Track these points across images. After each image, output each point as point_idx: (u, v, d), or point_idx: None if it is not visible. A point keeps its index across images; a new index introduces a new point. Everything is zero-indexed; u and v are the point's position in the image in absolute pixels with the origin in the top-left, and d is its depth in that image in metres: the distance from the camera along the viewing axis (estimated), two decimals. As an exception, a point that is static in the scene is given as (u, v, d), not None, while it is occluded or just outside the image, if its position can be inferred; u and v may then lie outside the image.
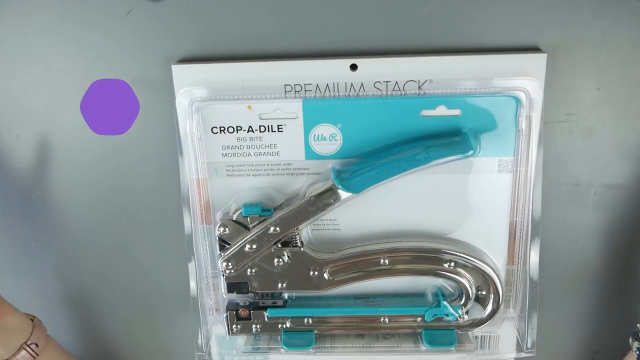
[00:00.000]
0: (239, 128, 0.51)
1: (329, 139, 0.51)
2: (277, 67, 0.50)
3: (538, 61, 0.49)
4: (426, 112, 0.50)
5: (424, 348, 0.53)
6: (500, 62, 0.49)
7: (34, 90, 0.54)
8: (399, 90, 0.50)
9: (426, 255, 0.52)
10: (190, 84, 0.51)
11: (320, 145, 0.51)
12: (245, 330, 0.54)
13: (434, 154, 0.48)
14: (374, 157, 0.50)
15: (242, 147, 0.52)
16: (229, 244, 0.52)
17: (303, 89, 0.51)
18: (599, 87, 0.51)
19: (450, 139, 0.49)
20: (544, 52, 0.50)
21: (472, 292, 0.52)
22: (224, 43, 0.51)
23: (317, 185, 0.51)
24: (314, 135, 0.51)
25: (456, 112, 0.49)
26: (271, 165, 0.52)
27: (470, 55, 0.50)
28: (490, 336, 0.56)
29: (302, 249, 0.52)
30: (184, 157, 0.52)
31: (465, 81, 0.49)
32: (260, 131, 0.51)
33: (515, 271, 0.54)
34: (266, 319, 0.54)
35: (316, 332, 0.54)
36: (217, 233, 0.52)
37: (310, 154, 0.52)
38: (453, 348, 0.53)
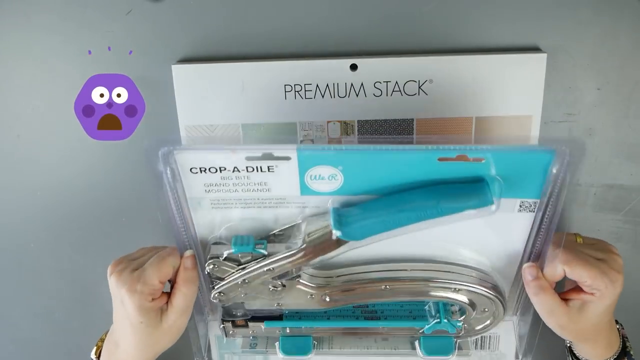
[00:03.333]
0: (222, 168, 0.43)
1: (328, 178, 0.43)
2: (277, 67, 0.50)
3: (538, 61, 0.49)
4: (444, 158, 0.42)
5: (422, 355, 0.53)
6: (500, 62, 0.50)
7: (34, 90, 0.54)
8: (399, 90, 0.51)
9: (430, 284, 0.48)
10: (190, 84, 0.51)
11: (318, 184, 0.44)
12: (242, 333, 0.54)
13: (447, 206, 0.41)
14: (380, 203, 0.43)
15: (227, 184, 0.44)
16: (221, 279, 0.47)
17: (303, 89, 0.51)
18: (599, 87, 0.51)
19: (467, 188, 0.42)
20: (544, 52, 0.50)
21: (474, 310, 0.50)
22: (224, 43, 0.51)
23: (314, 226, 0.44)
24: (311, 175, 0.43)
25: (479, 159, 0.42)
26: (262, 199, 0.45)
27: (470, 55, 0.50)
28: (490, 336, 0.56)
29: (298, 279, 0.47)
30: (162, 195, 0.44)
31: (474, 85, 0.49)
32: (247, 171, 0.43)
33: (519, 289, 0.53)
34: (263, 330, 0.53)
35: (314, 337, 0.54)
36: (207, 270, 0.46)
37: (307, 191, 0.44)
38: (450, 356, 0.53)
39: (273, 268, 0.45)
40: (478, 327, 0.52)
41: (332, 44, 0.51)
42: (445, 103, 0.51)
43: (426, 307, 0.52)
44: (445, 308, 0.50)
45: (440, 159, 0.42)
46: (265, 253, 0.45)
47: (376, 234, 0.43)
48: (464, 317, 0.50)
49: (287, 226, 0.47)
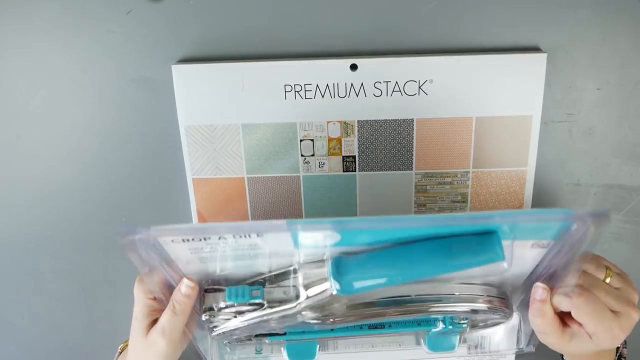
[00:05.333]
0: (207, 237, 0.40)
1: (324, 237, 0.40)
2: (277, 67, 0.50)
3: (538, 61, 0.49)
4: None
5: (427, 351, 0.53)
6: (500, 62, 0.50)
7: (34, 90, 0.54)
8: (399, 90, 0.51)
9: (435, 305, 0.45)
10: (190, 84, 0.51)
11: (314, 240, 0.41)
12: (248, 345, 0.53)
13: (455, 263, 0.39)
14: (382, 258, 0.40)
15: (214, 249, 0.42)
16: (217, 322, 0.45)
17: (303, 89, 0.51)
18: (599, 87, 0.51)
19: (477, 242, 0.39)
20: (544, 52, 0.50)
21: (479, 317, 0.50)
22: (224, 43, 0.51)
23: (311, 277, 0.42)
24: (305, 235, 0.40)
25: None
26: (254, 254, 0.42)
27: (470, 55, 0.50)
28: (490, 336, 0.56)
29: (300, 313, 0.44)
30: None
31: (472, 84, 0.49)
32: (234, 238, 0.40)
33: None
34: (267, 342, 0.53)
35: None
36: (203, 318, 0.45)
37: (302, 245, 0.41)
38: (455, 350, 0.53)
39: (272, 317, 0.44)
40: (482, 324, 0.52)
41: (332, 44, 0.51)
42: (445, 103, 0.51)
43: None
44: (451, 317, 0.50)
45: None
46: (263, 302, 0.43)
47: (376, 288, 0.41)
48: (468, 320, 0.50)
49: (282, 270, 0.44)
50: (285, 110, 0.52)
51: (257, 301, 0.43)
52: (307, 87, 0.51)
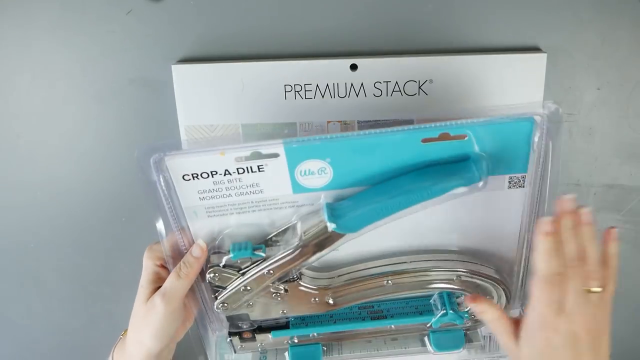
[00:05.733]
0: (213, 173, 0.43)
1: (318, 172, 0.44)
2: (277, 67, 0.50)
3: (538, 61, 0.49)
4: (427, 138, 0.43)
5: (433, 351, 0.53)
6: (500, 62, 0.50)
7: (34, 90, 0.54)
8: (399, 90, 0.51)
9: (431, 275, 0.48)
10: (190, 84, 0.51)
11: (309, 180, 0.44)
12: (251, 347, 0.53)
13: (436, 187, 0.42)
14: (371, 192, 0.44)
15: (220, 189, 0.44)
16: (222, 287, 0.47)
17: (303, 89, 0.51)
18: (599, 87, 0.51)
19: (453, 168, 0.43)
20: (544, 52, 0.50)
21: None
22: (224, 43, 0.51)
23: (309, 223, 0.45)
24: (300, 171, 0.44)
25: (462, 136, 0.43)
26: (256, 202, 0.45)
27: (470, 55, 0.50)
28: (490, 337, 0.56)
29: (299, 282, 0.47)
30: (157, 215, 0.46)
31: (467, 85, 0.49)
32: (238, 173, 0.43)
33: (521, 272, 0.53)
34: (270, 340, 0.53)
35: (323, 343, 0.53)
36: (208, 278, 0.46)
37: (299, 188, 0.45)
38: (461, 349, 0.53)
39: (273, 270, 0.45)
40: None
41: (332, 44, 0.51)
42: (445, 103, 0.51)
43: (431, 301, 0.52)
44: (450, 299, 0.50)
45: (423, 140, 0.42)
46: (264, 256, 0.45)
47: (370, 223, 0.44)
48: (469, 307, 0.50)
49: (283, 228, 0.47)
50: (285, 110, 0.52)
51: (259, 255, 0.45)
52: (307, 87, 0.51)
